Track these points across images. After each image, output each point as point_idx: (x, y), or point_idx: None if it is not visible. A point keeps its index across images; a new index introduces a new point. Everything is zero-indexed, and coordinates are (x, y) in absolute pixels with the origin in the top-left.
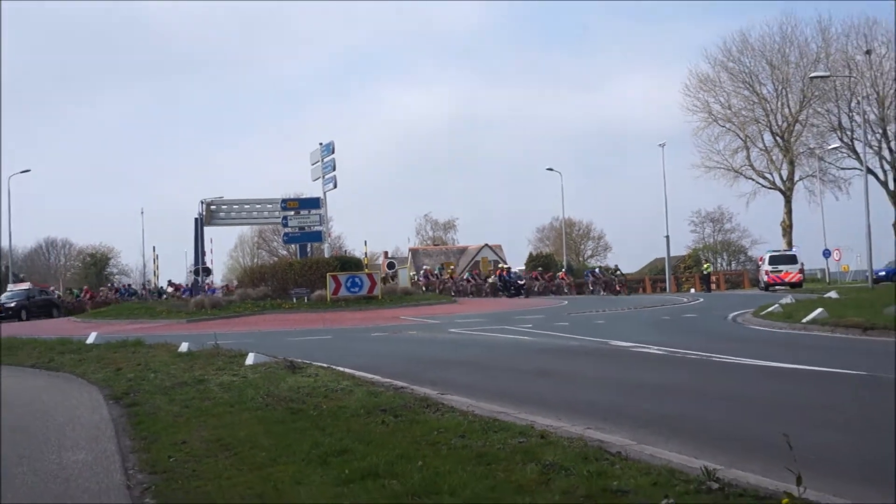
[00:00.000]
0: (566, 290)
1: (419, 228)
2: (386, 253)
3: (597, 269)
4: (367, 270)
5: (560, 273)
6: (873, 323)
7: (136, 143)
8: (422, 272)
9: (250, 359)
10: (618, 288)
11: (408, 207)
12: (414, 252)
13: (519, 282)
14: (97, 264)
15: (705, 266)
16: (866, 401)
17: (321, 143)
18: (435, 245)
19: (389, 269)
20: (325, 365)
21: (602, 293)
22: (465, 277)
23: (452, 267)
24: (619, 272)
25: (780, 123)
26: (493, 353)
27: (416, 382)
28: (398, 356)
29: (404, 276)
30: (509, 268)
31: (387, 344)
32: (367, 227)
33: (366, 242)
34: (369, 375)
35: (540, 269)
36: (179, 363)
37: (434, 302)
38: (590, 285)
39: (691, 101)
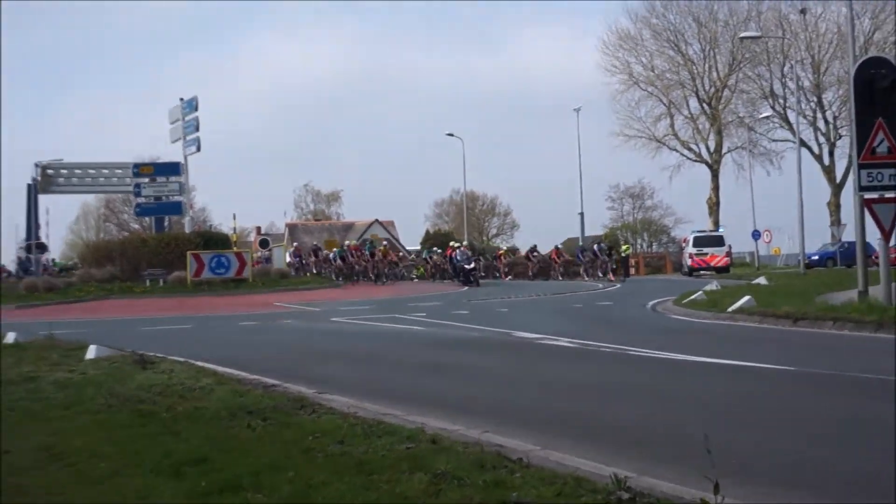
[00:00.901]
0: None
1: (298, 201)
2: (259, 229)
3: (600, 245)
4: (235, 249)
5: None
6: (804, 313)
7: None
8: (332, 252)
9: (91, 352)
10: (611, 277)
11: (286, 177)
12: (292, 227)
13: (467, 266)
14: None
15: (624, 248)
16: (792, 398)
17: (182, 99)
18: (316, 220)
19: (262, 247)
20: (182, 359)
21: (600, 277)
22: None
23: (385, 243)
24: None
25: (707, 88)
26: (381, 346)
27: (289, 380)
28: (270, 349)
29: (279, 256)
30: (460, 246)
31: (257, 335)
32: (237, 198)
33: (235, 216)
34: (235, 372)
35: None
36: (5, 358)
37: (315, 286)
38: (584, 270)
39: (610, 60)
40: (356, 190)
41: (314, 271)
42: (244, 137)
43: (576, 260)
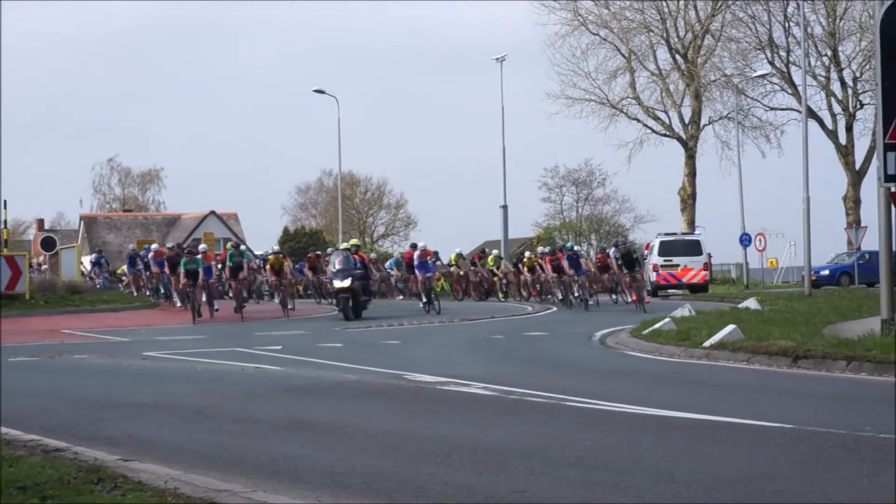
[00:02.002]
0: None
1: (99, 183)
2: (41, 223)
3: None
4: (6, 251)
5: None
6: (808, 349)
7: None
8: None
9: None
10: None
11: (81, 149)
12: (89, 222)
13: (339, 282)
14: None
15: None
16: (795, 465)
17: None
18: (126, 211)
19: (46, 248)
20: None
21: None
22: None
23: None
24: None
25: (682, 34)
26: (216, 393)
27: (83, 441)
28: (56, 396)
29: (71, 262)
30: (335, 250)
31: (37, 375)
32: (9, 179)
33: (5, 204)
34: (3, 429)
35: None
36: None
37: (120, 305)
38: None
39: None
40: (183, 170)
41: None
42: (20, 91)
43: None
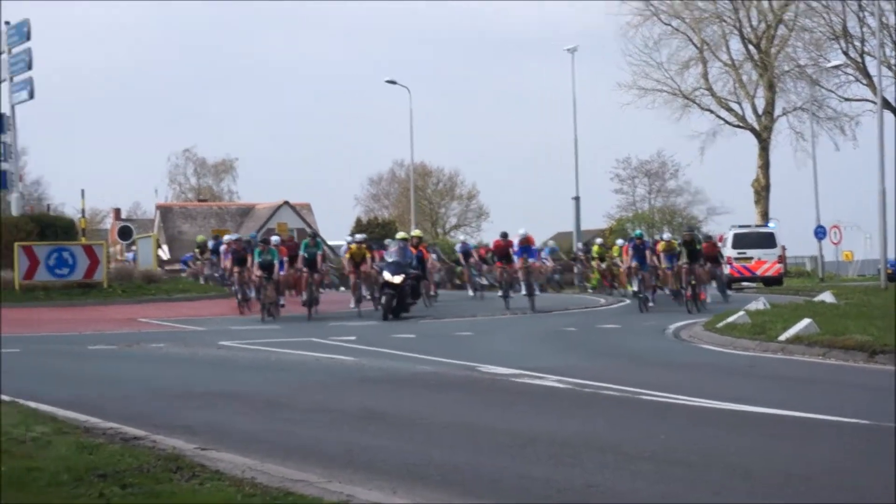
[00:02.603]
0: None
1: (175, 173)
2: (117, 212)
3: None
4: (84, 240)
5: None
6: (885, 344)
7: None
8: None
9: None
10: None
11: (158, 139)
12: (165, 211)
13: (390, 277)
14: None
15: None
16: (871, 462)
17: (8, 23)
18: (201, 201)
19: (122, 238)
20: (5, 398)
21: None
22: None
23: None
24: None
25: (755, 24)
26: (292, 383)
27: (160, 430)
28: (133, 385)
29: (147, 251)
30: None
31: (115, 363)
32: (88, 168)
33: (83, 193)
34: (82, 417)
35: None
36: None
37: (197, 295)
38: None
39: None
40: (257, 160)
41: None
42: (98, 82)
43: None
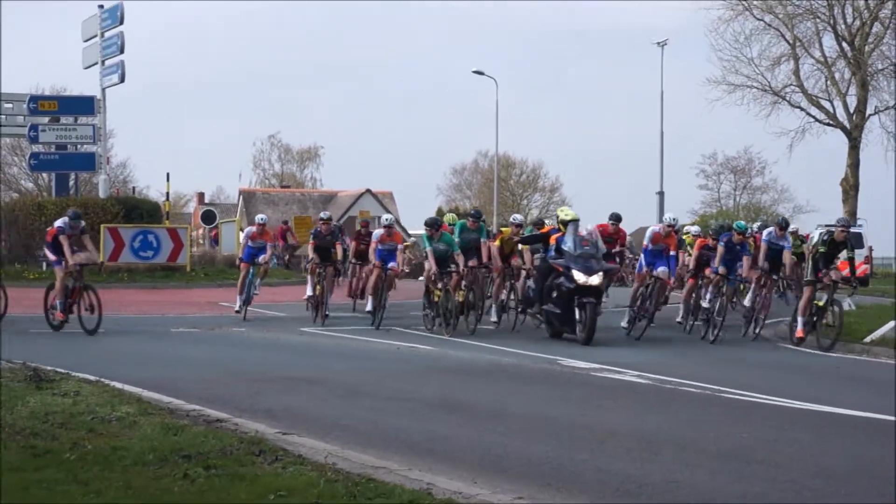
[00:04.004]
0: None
1: (259, 159)
2: (201, 196)
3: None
4: (168, 223)
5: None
6: None
7: None
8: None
9: None
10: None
11: (243, 125)
12: (248, 196)
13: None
14: None
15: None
16: None
17: (101, 7)
18: (284, 187)
19: (206, 222)
20: (91, 378)
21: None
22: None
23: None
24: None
25: (849, 21)
26: (373, 370)
27: (242, 413)
28: (215, 368)
29: (230, 236)
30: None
31: (197, 347)
32: (173, 152)
33: (168, 177)
34: (166, 398)
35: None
36: None
37: (278, 280)
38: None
39: None
40: (341, 148)
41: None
42: (186, 68)
43: None
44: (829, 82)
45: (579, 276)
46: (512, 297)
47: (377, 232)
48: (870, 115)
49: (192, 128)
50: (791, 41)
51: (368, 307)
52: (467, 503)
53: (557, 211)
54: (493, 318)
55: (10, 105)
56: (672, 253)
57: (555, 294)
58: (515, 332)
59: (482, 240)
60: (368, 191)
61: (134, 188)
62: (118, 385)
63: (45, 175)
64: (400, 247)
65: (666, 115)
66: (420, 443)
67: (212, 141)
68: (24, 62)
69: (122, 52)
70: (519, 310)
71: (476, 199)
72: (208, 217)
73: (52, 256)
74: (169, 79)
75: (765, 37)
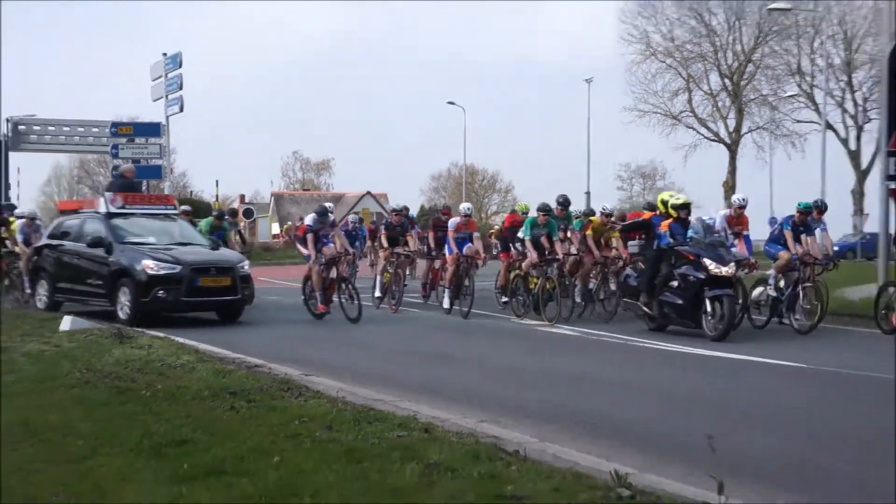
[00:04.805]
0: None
1: (286, 169)
2: (242, 197)
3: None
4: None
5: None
6: None
7: None
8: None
9: (66, 323)
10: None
11: (273, 143)
12: (278, 198)
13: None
14: None
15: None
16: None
17: (165, 54)
18: (305, 190)
19: (247, 217)
20: (160, 334)
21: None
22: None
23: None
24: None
25: (729, 63)
26: (380, 330)
27: (275, 360)
28: (255, 327)
29: (265, 227)
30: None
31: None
32: (221, 164)
33: (217, 183)
34: (217, 350)
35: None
36: None
37: (302, 261)
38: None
39: (627, 28)
40: (348, 160)
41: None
42: (230, 99)
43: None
44: (714, 109)
45: (712, 266)
46: (600, 286)
47: (453, 221)
48: (744, 133)
49: (234, 143)
50: (686, 78)
51: (445, 303)
52: (442, 425)
53: (665, 196)
54: (577, 299)
55: (96, 129)
56: (746, 233)
57: (676, 284)
58: (609, 322)
59: (553, 237)
60: (368, 192)
61: (191, 192)
62: (180, 340)
63: None
64: (476, 234)
65: (592, 132)
66: (410, 383)
67: (248, 154)
68: (108, 96)
69: (181, 88)
70: (598, 299)
71: (449, 199)
72: (248, 213)
73: (304, 251)
74: (216, 105)
75: (666, 75)
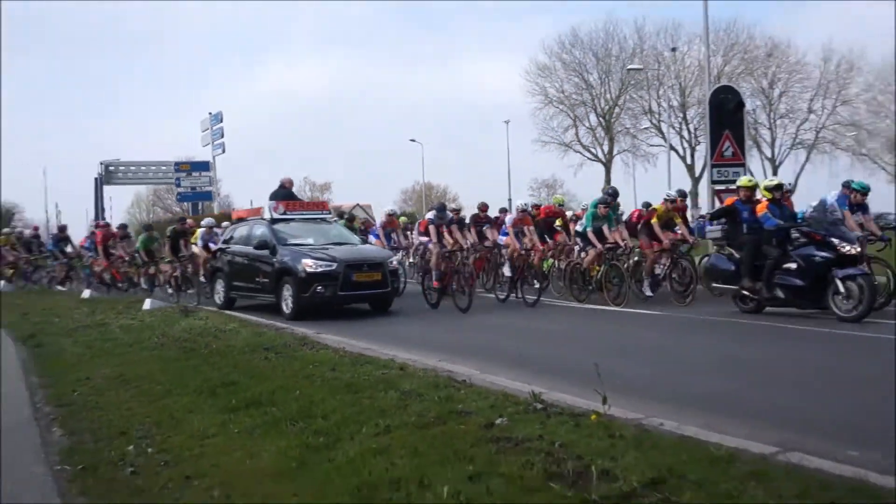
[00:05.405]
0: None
1: (299, 189)
2: (259, 208)
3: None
4: None
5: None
6: None
7: (37, 109)
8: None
9: (147, 304)
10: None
11: (290, 170)
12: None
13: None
14: (1, 220)
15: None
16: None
17: (210, 113)
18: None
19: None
20: (214, 309)
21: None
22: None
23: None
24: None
25: (602, 106)
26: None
27: (296, 324)
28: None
29: None
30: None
31: None
32: (254, 187)
33: (251, 202)
34: (254, 318)
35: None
36: (83, 308)
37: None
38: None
39: (531, 85)
40: (343, 181)
41: None
42: (258, 140)
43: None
44: (593, 139)
45: (842, 245)
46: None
47: (510, 217)
48: (615, 154)
49: (262, 171)
50: (573, 118)
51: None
52: (413, 364)
53: (743, 181)
54: (648, 293)
55: (164, 167)
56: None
57: (796, 266)
58: (688, 305)
59: (612, 227)
60: (357, 204)
61: (233, 208)
62: (228, 313)
63: (185, 203)
64: (531, 227)
65: (511, 157)
66: (389, 338)
67: (272, 179)
68: (172, 142)
69: (222, 136)
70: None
71: (414, 206)
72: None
73: (423, 241)
74: (248, 142)
75: (559, 116)
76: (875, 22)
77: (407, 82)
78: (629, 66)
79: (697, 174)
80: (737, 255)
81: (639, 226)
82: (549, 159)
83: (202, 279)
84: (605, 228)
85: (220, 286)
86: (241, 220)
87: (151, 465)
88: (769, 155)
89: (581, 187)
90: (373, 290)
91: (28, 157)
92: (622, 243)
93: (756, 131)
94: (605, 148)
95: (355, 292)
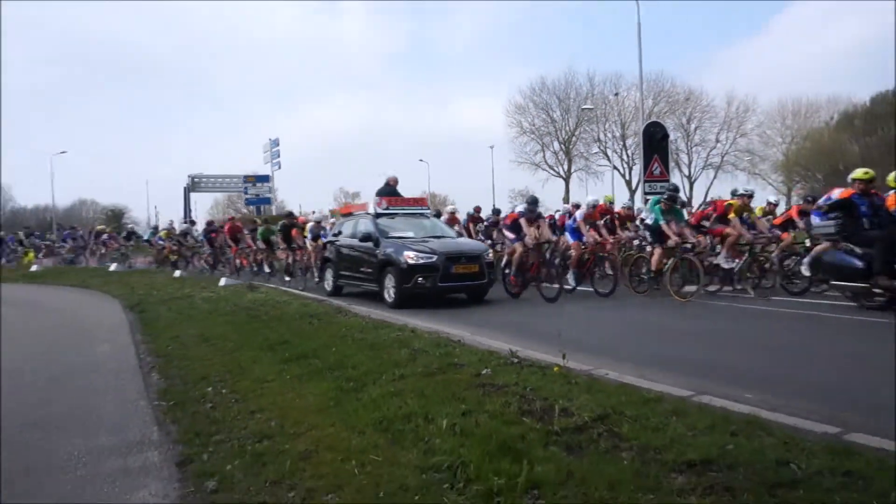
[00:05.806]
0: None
1: (336, 197)
2: (313, 211)
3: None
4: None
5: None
6: None
7: (137, 132)
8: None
9: (222, 282)
10: None
11: (329, 181)
12: (332, 213)
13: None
14: (116, 218)
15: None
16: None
17: (270, 139)
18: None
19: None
20: (273, 286)
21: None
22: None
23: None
24: None
25: (563, 136)
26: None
27: (338, 299)
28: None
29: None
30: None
31: None
32: (303, 195)
33: (300, 206)
34: (301, 293)
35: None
36: (174, 284)
37: None
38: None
39: (510, 119)
40: (369, 189)
41: None
42: (305, 156)
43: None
44: (557, 160)
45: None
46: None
47: (580, 212)
48: (573, 172)
49: (308, 183)
50: (541, 144)
51: (571, 282)
52: (421, 330)
53: (863, 175)
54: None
55: (236, 179)
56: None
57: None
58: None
59: (681, 222)
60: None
61: (289, 211)
62: (283, 289)
63: (252, 206)
64: (599, 222)
65: (495, 174)
66: (404, 310)
67: (316, 189)
68: (240, 159)
69: (279, 156)
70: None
71: None
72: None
73: (510, 235)
74: (299, 159)
75: (531, 143)
76: (766, 74)
77: (415, 117)
78: (583, 106)
79: (634, 188)
80: (858, 251)
81: (709, 221)
82: (523, 175)
83: (314, 269)
84: (673, 223)
85: (328, 275)
86: (348, 214)
87: (225, 402)
88: (687, 174)
89: (548, 196)
90: (471, 281)
91: (132, 170)
92: (694, 239)
93: (677, 156)
94: (566, 167)
95: (454, 283)
